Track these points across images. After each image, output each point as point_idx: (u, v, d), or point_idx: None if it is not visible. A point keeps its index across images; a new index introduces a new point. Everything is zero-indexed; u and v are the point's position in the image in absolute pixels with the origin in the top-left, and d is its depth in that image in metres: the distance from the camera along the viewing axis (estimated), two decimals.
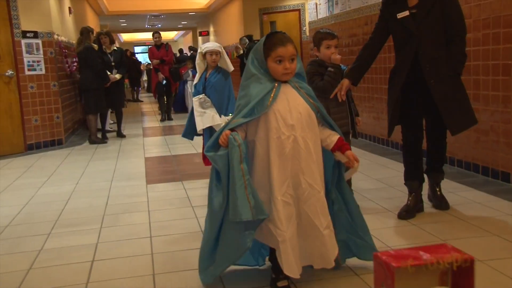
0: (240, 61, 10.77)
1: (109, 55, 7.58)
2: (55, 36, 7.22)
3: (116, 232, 3.36)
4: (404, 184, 3.47)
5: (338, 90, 3.30)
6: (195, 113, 4.22)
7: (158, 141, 7.47)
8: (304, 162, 2.19)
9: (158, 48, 9.64)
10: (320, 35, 3.38)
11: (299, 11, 11.58)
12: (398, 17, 3.16)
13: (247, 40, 9.97)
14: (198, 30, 20.56)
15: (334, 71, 3.33)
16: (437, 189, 3.47)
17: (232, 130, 2.18)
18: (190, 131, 4.41)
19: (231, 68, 4.30)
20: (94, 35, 7.83)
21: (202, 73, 4.30)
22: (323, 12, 7.54)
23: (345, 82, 3.30)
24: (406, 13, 3.14)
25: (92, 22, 12.81)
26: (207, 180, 4.16)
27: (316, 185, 2.20)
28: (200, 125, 4.20)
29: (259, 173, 2.22)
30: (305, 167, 2.19)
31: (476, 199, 3.62)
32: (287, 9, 11.74)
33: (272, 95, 2.18)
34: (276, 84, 2.21)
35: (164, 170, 5.35)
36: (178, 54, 15.06)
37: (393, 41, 3.33)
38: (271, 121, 2.17)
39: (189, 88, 10.58)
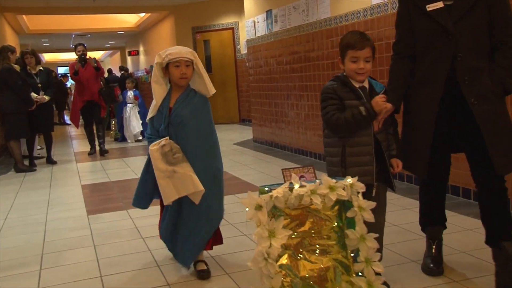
0: None
1: (34, 76, 7.03)
2: None
3: (60, 273, 2.96)
4: (423, 230, 2.73)
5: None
6: (157, 173, 2.60)
7: (94, 166, 6.99)
8: None
9: (83, 65, 7.52)
10: (345, 41, 2.35)
11: (233, 29, 11.51)
12: (429, 9, 2.34)
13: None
14: (127, 50, 19.98)
15: (364, 115, 2.24)
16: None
17: None
18: (143, 195, 2.84)
19: (211, 90, 2.71)
20: (17, 54, 7.26)
21: (163, 98, 2.68)
22: (261, 30, 7.48)
23: (388, 106, 2.31)
24: (440, 4, 2.32)
25: (12, 41, 11.96)
26: (155, 207, 3.83)
27: None
28: (172, 194, 2.60)
29: None
30: None
31: None
32: (221, 27, 11.63)
33: None
34: None
35: (105, 198, 4.95)
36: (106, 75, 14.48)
37: (417, 44, 2.45)
38: None
39: (129, 112, 9.30)
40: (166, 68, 2.64)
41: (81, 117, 7.86)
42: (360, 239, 1.87)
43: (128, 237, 3.58)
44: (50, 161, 7.20)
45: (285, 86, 6.83)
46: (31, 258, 3.25)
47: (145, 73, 15.79)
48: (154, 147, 2.60)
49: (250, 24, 7.95)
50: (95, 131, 7.98)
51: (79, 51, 7.56)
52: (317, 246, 1.88)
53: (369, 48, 2.31)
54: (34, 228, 3.96)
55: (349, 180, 1.87)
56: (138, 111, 9.37)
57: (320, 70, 5.92)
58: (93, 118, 7.78)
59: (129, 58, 20.07)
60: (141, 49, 17.58)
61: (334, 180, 1.85)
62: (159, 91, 2.67)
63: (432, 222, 2.67)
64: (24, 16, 13.22)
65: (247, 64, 8.57)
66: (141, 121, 9.29)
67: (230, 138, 8.75)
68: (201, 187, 2.60)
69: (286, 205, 1.78)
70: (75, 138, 11.14)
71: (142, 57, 17.66)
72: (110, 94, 7.89)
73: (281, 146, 7.18)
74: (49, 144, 7.26)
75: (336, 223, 1.90)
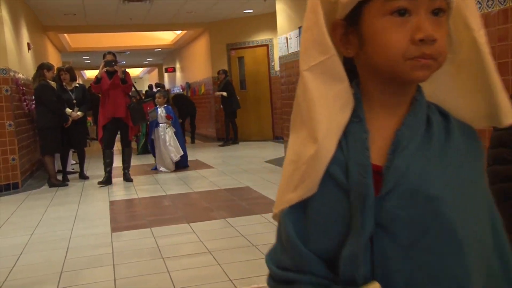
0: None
1: (70, 92, 7.17)
2: (11, 73, 6.78)
3: None
4: None
5: None
6: None
7: (123, 182, 6.99)
8: None
9: (110, 76, 6.47)
10: None
11: (267, 46, 11.48)
12: None
13: None
14: (164, 67, 20.31)
15: None
16: None
17: None
18: None
19: (507, 113, 0.75)
20: (54, 71, 7.42)
21: (340, 132, 0.72)
22: (294, 46, 7.38)
23: None
24: None
25: (54, 59, 12.35)
26: (178, 226, 3.81)
27: None
28: None
29: None
30: None
31: None
32: (255, 44, 11.63)
33: None
34: None
35: (130, 215, 4.91)
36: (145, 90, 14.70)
37: None
38: None
39: (163, 135, 7.52)
40: (351, 24, 0.74)
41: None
42: None
43: (148, 256, 3.50)
44: (83, 176, 7.28)
45: None
46: (49, 276, 3.21)
47: (181, 90, 15.93)
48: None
49: (283, 40, 7.87)
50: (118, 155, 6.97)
51: (107, 59, 6.49)
52: None
53: None
54: (57, 244, 3.94)
55: None
56: (175, 132, 7.65)
57: None
58: (116, 138, 6.76)
59: (166, 75, 20.40)
60: (177, 66, 17.83)
61: None
62: (322, 104, 0.73)
63: None
64: (66, 34, 13.65)
65: (282, 82, 8.48)
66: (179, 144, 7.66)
67: (262, 156, 8.63)
68: None
69: None
70: None
71: (178, 73, 17.89)
72: (140, 111, 6.75)
73: None
74: (81, 160, 7.36)
75: None
